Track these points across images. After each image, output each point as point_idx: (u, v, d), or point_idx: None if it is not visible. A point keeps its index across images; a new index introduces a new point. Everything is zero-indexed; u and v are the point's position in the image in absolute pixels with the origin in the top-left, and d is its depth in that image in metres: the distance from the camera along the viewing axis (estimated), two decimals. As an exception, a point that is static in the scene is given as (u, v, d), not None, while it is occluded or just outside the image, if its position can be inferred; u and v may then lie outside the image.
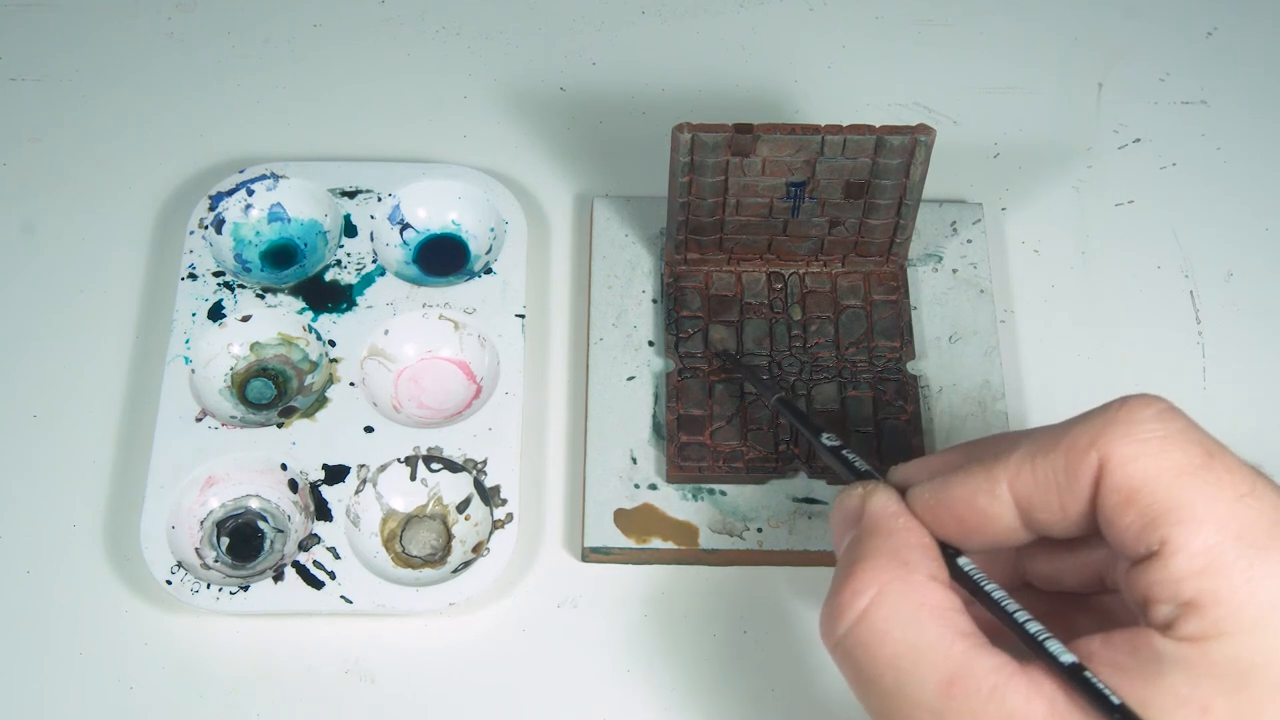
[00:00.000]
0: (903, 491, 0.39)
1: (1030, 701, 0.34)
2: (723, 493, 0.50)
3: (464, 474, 0.50)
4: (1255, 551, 0.33)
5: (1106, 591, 0.39)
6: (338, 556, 0.48)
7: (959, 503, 0.37)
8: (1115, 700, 0.33)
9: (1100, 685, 0.33)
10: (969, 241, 0.56)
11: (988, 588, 0.37)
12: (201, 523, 0.50)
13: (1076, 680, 0.33)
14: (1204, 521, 0.33)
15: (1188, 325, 0.56)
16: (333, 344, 0.52)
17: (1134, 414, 0.35)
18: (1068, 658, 0.34)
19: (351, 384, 0.51)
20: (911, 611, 0.36)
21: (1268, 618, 0.32)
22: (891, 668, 0.35)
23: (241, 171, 0.56)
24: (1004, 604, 0.36)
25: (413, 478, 0.50)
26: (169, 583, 0.47)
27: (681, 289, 0.54)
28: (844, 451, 0.44)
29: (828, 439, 0.44)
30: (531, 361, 0.54)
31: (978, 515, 0.37)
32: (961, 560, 0.38)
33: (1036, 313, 0.56)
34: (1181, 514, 0.33)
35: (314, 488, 0.49)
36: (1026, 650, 0.35)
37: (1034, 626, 0.35)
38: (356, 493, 0.49)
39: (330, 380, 0.51)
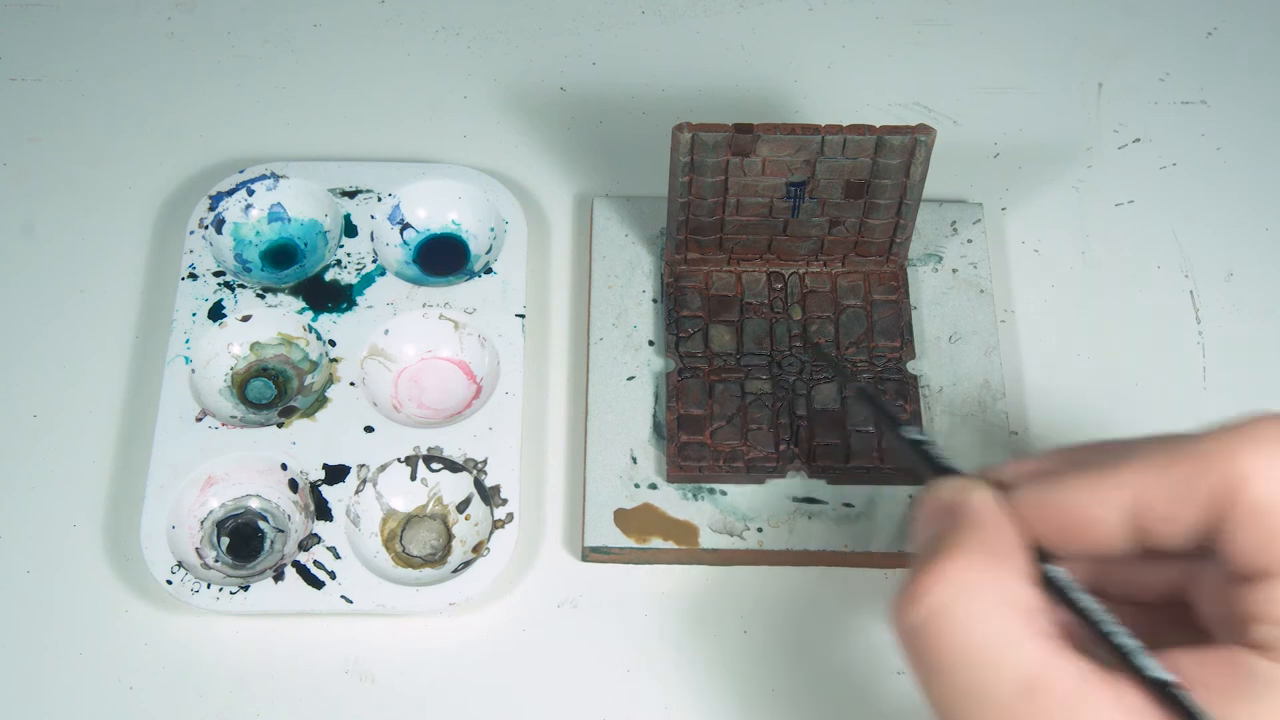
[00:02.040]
0: None
1: (1114, 713, 0.33)
2: (723, 492, 0.50)
3: (464, 474, 0.50)
4: None
5: (1176, 603, 0.38)
6: (338, 556, 0.48)
7: (1069, 507, 0.36)
8: None
9: (1195, 705, 0.32)
10: (969, 241, 0.56)
11: (1078, 595, 0.36)
12: (201, 523, 0.50)
13: (1166, 697, 0.33)
14: None
15: (1188, 325, 0.56)
16: (333, 344, 0.52)
17: (1274, 432, 0.34)
18: (1162, 674, 0.33)
19: (351, 384, 0.51)
20: (997, 607, 0.35)
21: None
22: (968, 663, 0.34)
23: (241, 171, 0.56)
24: (1094, 613, 0.36)
25: (413, 478, 0.50)
26: (169, 583, 0.47)
27: (681, 289, 0.54)
28: (925, 447, 0.42)
29: (911, 432, 0.43)
30: (531, 361, 0.54)
31: (1085, 521, 0.36)
32: (1053, 566, 0.37)
33: (1036, 313, 0.56)
34: None
35: (314, 487, 0.49)
36: (1111, 660, 0.34)
37: (1126, 640, 0.35)
38: (356, 493, 0.49)
39: (330, 380, 0.51)
